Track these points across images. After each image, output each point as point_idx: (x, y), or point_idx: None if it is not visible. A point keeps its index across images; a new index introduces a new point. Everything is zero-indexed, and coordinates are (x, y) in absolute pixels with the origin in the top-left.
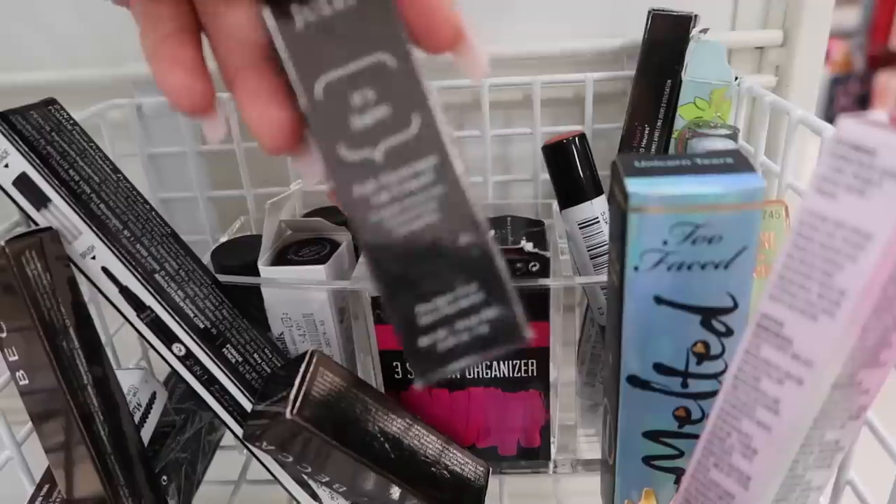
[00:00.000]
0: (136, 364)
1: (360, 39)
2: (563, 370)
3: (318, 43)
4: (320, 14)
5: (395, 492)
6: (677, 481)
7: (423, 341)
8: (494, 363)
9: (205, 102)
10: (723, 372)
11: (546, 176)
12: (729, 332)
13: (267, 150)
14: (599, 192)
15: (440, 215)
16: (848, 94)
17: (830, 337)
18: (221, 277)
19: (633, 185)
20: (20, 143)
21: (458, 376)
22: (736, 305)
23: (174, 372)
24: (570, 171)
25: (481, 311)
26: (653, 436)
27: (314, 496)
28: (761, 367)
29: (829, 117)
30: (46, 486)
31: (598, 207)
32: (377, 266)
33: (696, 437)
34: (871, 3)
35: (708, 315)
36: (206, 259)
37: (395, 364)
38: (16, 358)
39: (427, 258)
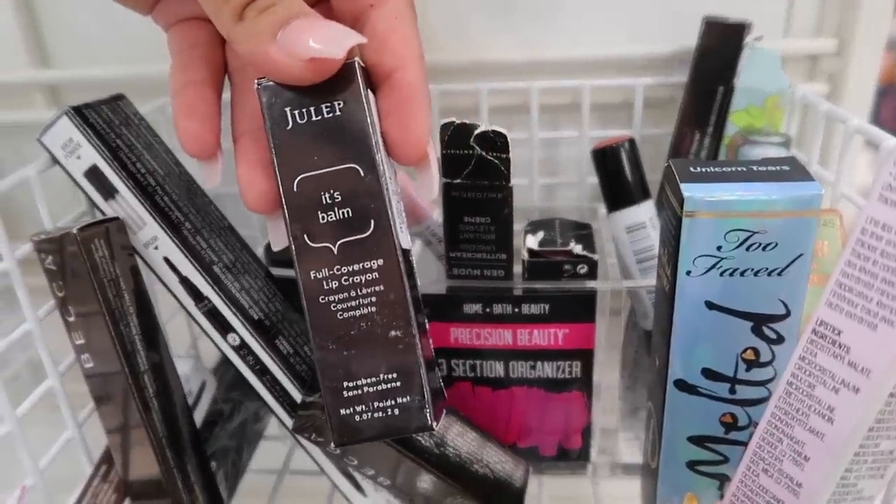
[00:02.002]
0: (185, 353)
1: (337, 149)
2: (607, 373)
3: (301, 145)
4: (309, 119)
5: (439, 487)
6: (721, 487)
7: (344, 411)
8: (538, 363)
9: (208, 152)
10: (772, 379)
11: (591, 179)
12: (780, 339)
13: (248, 208)
14: (647, 197)
15: (376, 309)
16: (891, 106)
17: (890, 346)
18: (274, 270)
19: (689, 190)
20: (92, 136)
21: (501, 375)
22: (789, 313)
23: (226, 361)
24: (619, 176)
25: (396, 397)
26: (698, 441)
27: (358, 487)
28: (816, 374)
29: None
30: (104, 466)
31: (645, 212)
32: (317, 340)
33: (743, 443)
34: None
35: (759, 322)
36: (259, 253)
37: (438, 361)
38: (82, 341)
39: (360, 342)
